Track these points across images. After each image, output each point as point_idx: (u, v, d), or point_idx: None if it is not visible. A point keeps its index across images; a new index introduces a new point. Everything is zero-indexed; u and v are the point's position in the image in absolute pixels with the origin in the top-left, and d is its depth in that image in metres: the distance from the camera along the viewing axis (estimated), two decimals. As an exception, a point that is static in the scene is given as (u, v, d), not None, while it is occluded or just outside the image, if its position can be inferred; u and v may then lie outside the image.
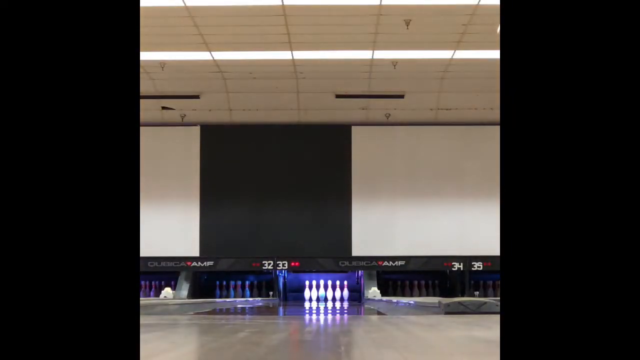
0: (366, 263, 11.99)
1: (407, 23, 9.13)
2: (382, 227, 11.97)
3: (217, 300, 11.80)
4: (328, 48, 10.09)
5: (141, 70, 10.88)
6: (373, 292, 11.71)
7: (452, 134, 12.06)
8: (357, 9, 8.82)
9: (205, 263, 11.90)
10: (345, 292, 12.76)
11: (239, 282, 12.68)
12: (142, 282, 12.22)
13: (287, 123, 12.06)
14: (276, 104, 11.85)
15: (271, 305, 10.40)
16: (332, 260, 11.96)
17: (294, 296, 12.85)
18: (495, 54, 9.67)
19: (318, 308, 9.92)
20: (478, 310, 5.06)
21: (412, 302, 7.76)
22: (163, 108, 11.95)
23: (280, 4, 8.47)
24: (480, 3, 8.63)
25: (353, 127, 12.15)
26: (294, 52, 10.19)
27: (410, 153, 12.11)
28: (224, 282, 12.65)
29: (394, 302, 9.18)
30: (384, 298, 10.96)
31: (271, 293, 12.50)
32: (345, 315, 7.00)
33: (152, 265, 11.77)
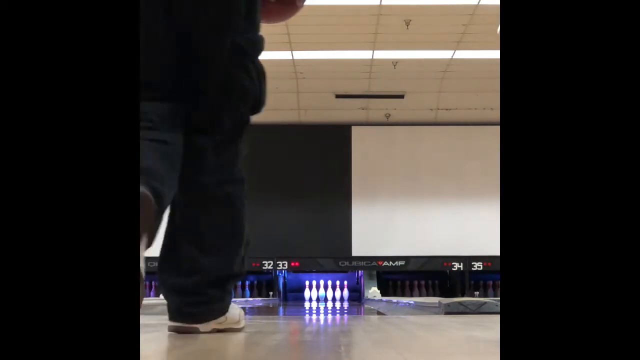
0: (366, 263, 11.98)
1: (407, 23, 9.13)
2: (382, 227, 11.97)
3: (217, 300, 11.74)
4: (328, 48, 10.08)
5: (141, 70, 10.85)
6: (373, 292, 11.69)
7: (452, 134, 12.06)
8: (357, 9, 8.82)
9: (205, 263, 11.86)
10: (345, 292, 12.75)
11: (239, 282, 12.66)
12: (142, 282, 12.17)
13: (287, 123, 12.05)
14: (276, 104, 11.84)
15: (271, 306, 10.39)
16: (332, 260, 11.95)
17: (294, 296, 12.83)
18: (495, 54, 9.67)
19: (318, 308, 9.92)
20: (478, 310, 5.05)
21: (412, 302, 7.75)
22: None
23: (280, 4, 8.46)
24: (480, 3, 8.63)
25: (353, 127, 12.14)
26: (294, 52, 10.18)
27: (410, 153, 12.10)
28: (224, 282, 12.60)
29: (394, 302, 9.17)
30: (384, 298, 10.94)
31: (271, 293, 12.47)
32: (345, 315, 7.00)
33: (152, 266, 11.73)
